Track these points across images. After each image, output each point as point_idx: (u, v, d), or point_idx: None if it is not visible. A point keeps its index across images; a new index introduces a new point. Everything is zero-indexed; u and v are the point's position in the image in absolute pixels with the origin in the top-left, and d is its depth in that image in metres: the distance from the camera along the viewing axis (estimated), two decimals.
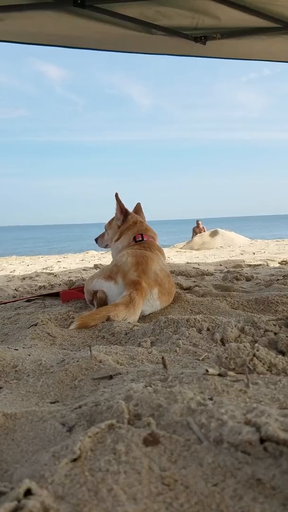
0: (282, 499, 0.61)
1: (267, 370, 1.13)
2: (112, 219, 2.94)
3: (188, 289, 2.86)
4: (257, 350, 1.18)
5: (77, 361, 1.27)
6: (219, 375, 1.04)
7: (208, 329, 1.63)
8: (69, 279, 4.11)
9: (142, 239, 2.61)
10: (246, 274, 3.61)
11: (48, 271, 5.82)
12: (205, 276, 3.75)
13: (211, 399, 0.88)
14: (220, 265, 5.57)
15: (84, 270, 5.50)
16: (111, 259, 2.79)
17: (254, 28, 3.44)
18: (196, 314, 2.01)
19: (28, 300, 2.77)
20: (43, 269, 6.22)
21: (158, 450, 0.74)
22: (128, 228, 2.75)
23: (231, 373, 1.06)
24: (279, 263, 5.38)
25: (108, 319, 1.89)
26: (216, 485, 0.65)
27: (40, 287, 3.72)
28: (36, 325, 1.87)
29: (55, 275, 5.02)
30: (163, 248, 2.74)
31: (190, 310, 2.17)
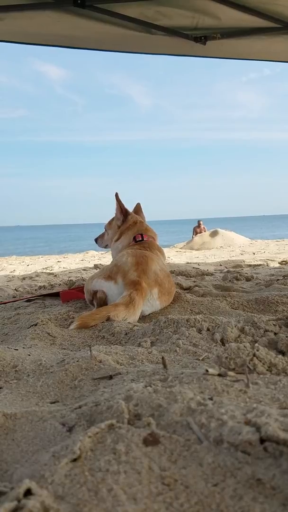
0: (282, 499, 0.61)
1: (267, 370, 1.13)
2: (112, 219, 2.94)
3: (188, 289, 2.86)
4: (257, 350, 1.18)
5: (77, 361, 1.27)
6: (219, 375, 1.04)
7: (208, 329, 1.63)
8: (69, 279, 4.11)
9: (142, 239, 2.61)
10: (246, 274, 3.61)
11: (48, 271, 5.82)
12: (205, 276, 3.75)
13: (211, 399, 0.88)
14: (220, 265, 5.57)
15: (84, 270, 5.50)
16: (111, 259, 2.79)
17: (254, 28, 3.44)
18: (196, 314, 2.01)
19: (28, 300, 2.77)
20: (43, 269, 6.22)
21: (158, 450, 0.74)
22: (128, 228, 2.75)
23: (231, 373, 1.06)
24: (279, 263, 5.38)
25: (108, 319, 1.89)
26: (216, 485, 0.65)
27: (40, 287, 3.72)
28: (36, 325, 1.87)
29: (55, 275, 5.02)
30: (163, 248, 2.74)
31: (190, 310, 2.17)
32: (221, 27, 3.42)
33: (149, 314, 2.12)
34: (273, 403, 0.90)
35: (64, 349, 1.60)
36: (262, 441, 0.71)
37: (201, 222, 14.92)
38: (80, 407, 0.93)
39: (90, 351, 1.32)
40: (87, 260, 7.76)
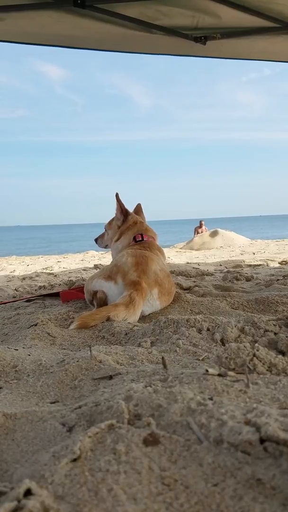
0: (282, 499, 0.61)
1: (267, 370, 1.13)
2: (112, 219, 2.94)
3: (188, 289, 2.86)
4: (257, 350, 1.18)
5: (77, 361, 1.27)
6: (219, 375, 1.04)
7: (208, 329, 1.63)
8: (69, 279, 4.11)
9: (142, 239, 2.61)
10: (246, 274, 3.61)
11: (48, 271, 5.82)
12: (205, 276, 3.75)
13: (211, 399, 0.88)
14: (220, 265, 5.57)
15: (84, 270, 5.50)
16: (111, 259, 2.79)
17: (254, 28, 3.44)
18: (196, 314, 2.01)
19: (28, 300, 2.77)
20: (43, 269, 6.22)
21: (158, 450, 0.74)
22: (128, 228, 2.75)
23: (231, 373, 1.06)
24: (279, 263, 5.38)
25: (108, 319, 1.89)
26: (216, 485, 0.65)
27: (40, 287, 3.72)
28: (36, 325, 1.87)
29: (55, 275, 5.02)
30: (163, 248, 2.74)
31: (190, 310, 2.17)
32: (221, 27, 3.42)
33: (149, 314, 2.12)
34: (273, 403, 0.90)
35: (64, 349, 1.60)
36: (262, 441, 0.71)
37: (202, 222, 14.92)
38: (80, 407, 0.93)
39: (90, 351, 1.32)
40: (87, 260, 7.76)
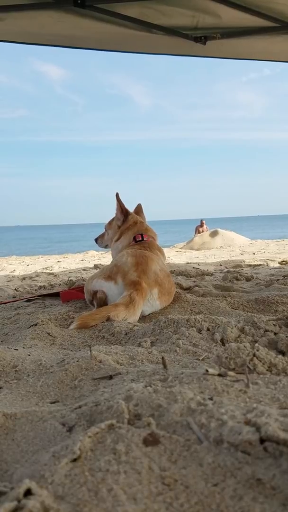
0: (282, 499, 0.61)
1: (267, 370, 1.13)
2: (112, 219, 2.94)
3: (188, 289, 2.86)
4: (257, 350, 1.18)
5: (77, 361, 1.27)
6: (219, 375, 1.04)
7: (208, 329, 1.63)
8: (69, 279, 4.11)
9: (142, 239, 2.61)
10: (246, 274, 3.61)
11: (48, 271, 5.82)
12: (205, 276, 3.75)
13: (211, 399, 0.88)
14: (220, 265, 5.57)
15: (84, 270, 5.50)
16: (111, 259, 2.79)
17: (254, 28, 3.44)
18: (196, 314, 2.01)
19: (28, 300, 2.77)
20: (43, 269, 6.22)
21: (158, 450, 0.74)
22: (128, 228, 2.75)
23: (231, 373, 1.06)
24: (279, 263, 5.38)
25: (108, 319, 1.89)
26: (216, 485, 0.65)
27: (40, 287, 3.72)
28: (36, 325, 1.87)
29: (55, 275, 5.02)
30: (163, 248, 2.74)
31: (190, 310, 2.17)
32: (221, 27, 3.42)
33: (149, 314, 2.12)
34: (273, 403, 0.90)
35: (64, 349, 1.60)
36: (262, 441, 0.71)
37: (203, 222, 14.93)
38: (80, 407, 0.93)
39: (90, 351, 1.32)
40: (87, 260, 7.76)
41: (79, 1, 2.92)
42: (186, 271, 3.84)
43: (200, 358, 1.30)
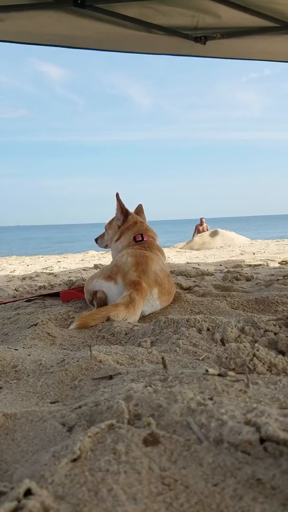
0: (282, 499, 0.61)
1: (267, 370, 1.13)
2: (112, 219, 2.94)
3: (188, 289, 2.86)
4: (257, 350, 1.18)
5: (77, 361, 1.27)
6: (219, 375, 1.04)
7: (208, 329, 1.63)
8: (69, 279, 4.11)
9: (142, 239, 2.61)
10: (246, 274, 3.61)
11: (48, 271, 5.82)
12: (205, 276, 3.75)
13: (211, 399, 0.88)
14: (220, 265, 5.57)
15: (84, 270, 5.50)
16: (111, 259, 2.79)
17: (254, 28, 3.45)
18: (196, 314, 2.01)
19: (28, 300, 2.77)
20: (43, 269, 6.22)
21: (158, 450, 0.74)
22: (128, 228, 2.75)
23: (231, 373, 1.06)
24: (279, 263, 5.38)
25: (108, 319, 1.89)
26: (216, 485, 0.65)
27: (40, 287, 3.72)
28: (36, 325, 1.87)
29: (55, 275, 5.02)
30: (163, 248, 2.74)
31: (190, 310, 2.17)
32: (221, 27, 3.42)
33: (149, 314, 2.12)
34: (273, 403, 0.90)
35: (64, 349, 1.60)
36: (262, 441, 0.71)
37: (203, 220, 14.92)
38: (80, 407, 0.93)
39: (90, 351, 1.32)
40: (87, 260, 7.76)
41: (79, 1, 2.92)
42: (186, 271, 3.84)
43: (200, 358, 1.30)
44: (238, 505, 0.60)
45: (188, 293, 2.67)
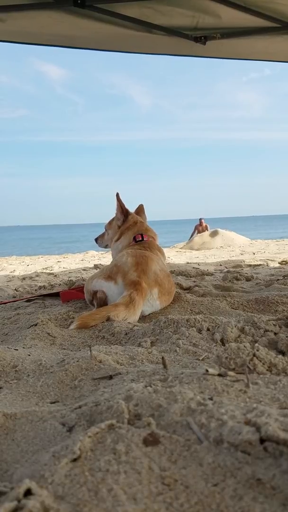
0: (282, 499, 0.61)
1: (267, 370, 1.13)
2: (113, 219, 2.94)
3: (188, 289, 2.86)
4: (257, 350, 1.18)
5: (77, 361, 1.27)
6: (219, 375, 1.04)
7: (208, 329, 1.63)
8: (69, 279, 4.11)
9: (142, 239, 2.61)
10: (246, 274, 3.61)
11: (48, 271, 5.82)
12: (205, 276, 3.75)
13: (211, 399, 0.88)
14: (220, 265, 5.57)
15: (84, 270, 5.50)
16: (111, 259, 2.79)
17: (254, 28, 3.45)
18: (196, 314, 2.01)
19: (28, 300, 2.77)
20: (43, 269, 6.22)
21: (158, 450, 0.74)
22: (128, 228, 2.75)
23: (231, 373, 1.06)
24: (279, 263, 5.38)
25: (108, 319, 1.89)
26: (216, 485, 0.65)
27: (40, 287, 3.72)
28: (36, 325, 1.87)
29: (55, 275, 5.02)
30: (163, 248, 2.74)
31: (190, 310, 2.17)
32: (221, 27, 3.42)
33: (149, 314, 2.12)
34: (273, 403, 0.90)
35: (64, 349, 1.60)
36: (262, 441, 0.71)
37: (202, 220, 14.93)
38: (80, 407, 0.93)
39: (90, 351, 1.32)
40: (87, 260, 7.76)
41: (79, 1, 2.92)
42: (186, 271, 3.84)
43: (200, 358, 1.30)
44: (238, 505, 0.60)
45: (188, 293, 2.67)
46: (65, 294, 2.65)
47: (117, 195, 2.79)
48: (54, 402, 1.06)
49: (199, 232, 14.32)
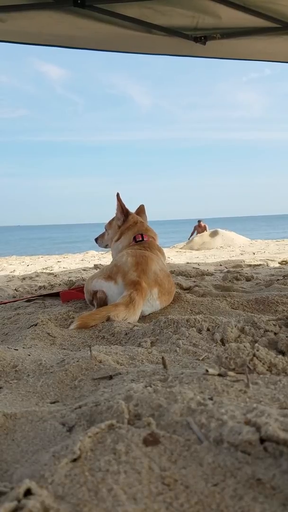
0: (282, 499, 0.61)
1: (267, 370, 1.13)
2: (113, 219, 2.94)
3: (188, 289, 2.86)
4: (257, 350, 1.18)
5: (77, 361, 1.27)
6: (219, 375, 1.04)
7: (208, 329, 1.63)
8: (69, 279, 4.11)
9: (142, 239, 2.61)
10: (246, 274, 3.61)
11: (48, 271, 5.82)
12: (205, 276, 3.75)
13: (211, 399, 0.88)
14: (220, 265, 5.57)
15: (84, 270, 5.50)
16: (111, 259, 2.79)
17: (254, 28, 3.44)
18: (196, 314, 2.01)
19: (28, 300, 2.77)
20: (43, 269, 6.22)
21: (158, 450, 0.74)
22: (128, 228, 2.75)
23: (231, 373, 1.06)
24: (279, 263, 5.38)
25: (108, 319, 1.89)
26: (216, 485, 0.65)
27: (40, 287, 3.72)
28: (36, 325, 1.87)
29: (55, 275, 5.02)
30: (163, 248, 2.74)
31: (190, 310, 2.17)
32: (221, 27, 3.42)
33: (149, 314, 2.12)
34: (273, 403, 0.90)
35: (64, 349, 1.60)
36: (262, 441, 0.71)
37: (201, 222, 14.95)
38: (80, 407, 0.93)
39: (90, 351, 1.32)
40: (87, 260, 7.76)
41: (79, 1, 2.92)
42: (186, 271, 3.84)
43: (200, 358, 1.30)
44: (238, 505, 0.60)
45: (188, 293, 2.67)
46: (65, 294, 2.65)
47: (118, 195, 2.79)
48: (54, 402, 1.06)
49: (198, 232, 14.33)
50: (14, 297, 3.21)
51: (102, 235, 3.13)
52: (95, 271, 4.62)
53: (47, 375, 1.22)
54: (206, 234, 13.43)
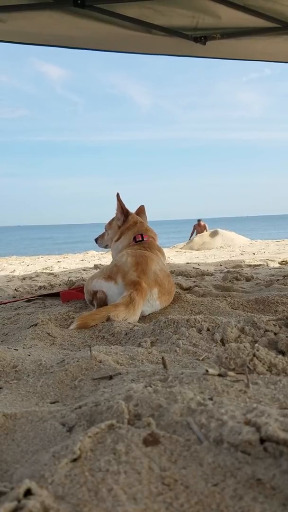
0: (282, 499, 0.61)
1: (267, 370, 1.13)
2: (113, 219, 2.94)
3: (188, 289, 2.86)
4: (257, 350, 1.18)
5: (77, 361, 1.27)
6: (219, 375, 1.04)
7: (208, 329, 1.63)
8: (69, 279, 4.11)
9: (142, 239, 2.61)
10: (246, 274, 3.61)
11: (48, 271, 5.82)
12: (205, 276, 3.75)
13: (211, 399, 0.88)
14: (220, 265, 5.57)
15: (84, 270, 5.50)
16: (111, 259, 2.79)
17: (254, 28, 3.45)
18: (196, 314, 2.01)
19: (28, 300, 2.77)
20: (43, 269, 6.21)
21: (158, 450, 0.74)
22: (128, 228, 2.75)
23: (231, 373, 1.06)
24: (279, 263, 5.38)
25: (108, 319, 1.89)
26: (216, 485, 0.65)
27: (40, 287, 3.72)
28: (36, 325, 1.87)
29: (55, 275, 5.02)
30: (163, 249, 2.74)
31: (190, 310, 2.17)
32: (221, 27, 3.42)
33: (149, 314, 2.12)
34: (273, 403, 0.90)
35: (64, 349, 1.60)
36: (262, 441, 0.71)
37: (201, 222, 14.95)
38: (80, 407, 0.93)
39: (90, 351, 1.32)
40: (87, 260, 7.76)
41: (78, 1, 2.92)
42: (186, 271, 3.84)
43: (200, 358, 1.30)
44: (238, 505, 0.60)
45: (188, 293, 2.67)
46: (65, 294, 2.65)
47: (118, 195, 2.79)
48: (54, 402, 1.06)
49: (198, 232, 14.33)
50: (14, 297, 3.21)
51: (102, 235, 3.13)
52: (95, 271, 4.62)
53: (47, 375, 1.22)
54: (206, 234, 13.43)
